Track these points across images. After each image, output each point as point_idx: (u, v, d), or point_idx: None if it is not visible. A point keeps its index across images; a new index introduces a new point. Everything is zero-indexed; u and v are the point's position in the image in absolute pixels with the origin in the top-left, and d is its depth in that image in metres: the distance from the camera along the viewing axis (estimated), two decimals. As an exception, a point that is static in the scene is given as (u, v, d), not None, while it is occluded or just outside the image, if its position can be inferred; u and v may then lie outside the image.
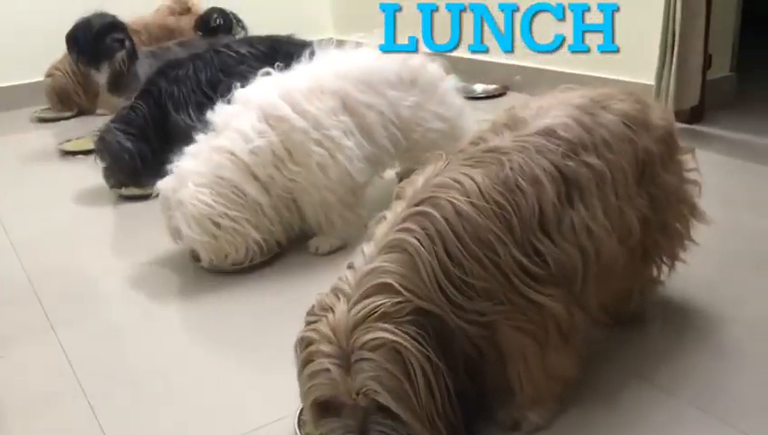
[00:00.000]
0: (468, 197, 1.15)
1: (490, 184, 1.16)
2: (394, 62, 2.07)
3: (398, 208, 1.22)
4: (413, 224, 1.16)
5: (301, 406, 1.32)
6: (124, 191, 2.63)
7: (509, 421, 1.27)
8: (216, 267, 1.97)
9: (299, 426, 1.31)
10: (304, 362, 1.18)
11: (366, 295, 1.13)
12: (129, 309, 1.88)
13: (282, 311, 1.74)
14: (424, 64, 2.12)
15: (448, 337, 1.12)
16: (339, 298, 1.16)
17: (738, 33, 3.01)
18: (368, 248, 1.20)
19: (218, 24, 3.66)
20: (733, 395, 1.33)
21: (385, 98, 1.99)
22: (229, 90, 2.03)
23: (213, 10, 3.74)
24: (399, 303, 1.11)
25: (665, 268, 1.52)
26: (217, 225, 1.88)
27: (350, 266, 1.20)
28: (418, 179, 1.23)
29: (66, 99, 3.85)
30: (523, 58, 3.31)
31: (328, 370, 1.13)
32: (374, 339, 1.11)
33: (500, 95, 3.48)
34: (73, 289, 2.00)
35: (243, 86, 2.02)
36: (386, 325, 1.10)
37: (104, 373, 1.59)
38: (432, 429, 1.12)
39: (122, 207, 2.58)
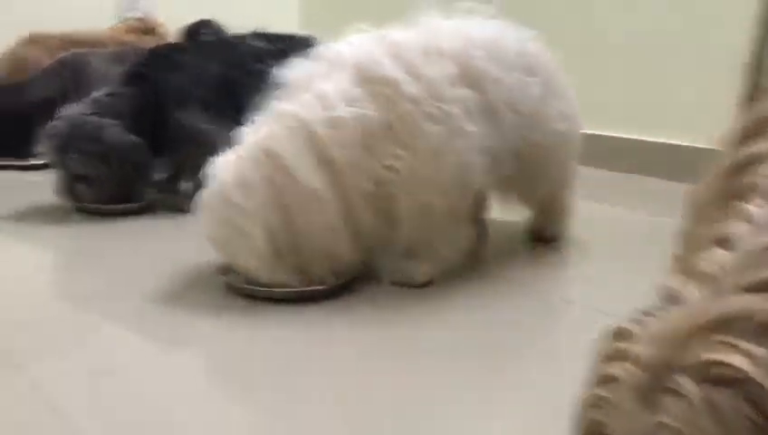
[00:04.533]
0: None
1: None
2: (512, 40, 1.58)
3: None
4: None
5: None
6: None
7: None
8: (254, 290, 1.39)
9: None
10: (595, 383, 0.63)
11: (744, 287, 0.59)
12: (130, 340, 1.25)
13: (339, 358, 1.19)
14: (542, 51, 1.64)
15: None
16: (694, 284, 0.62)
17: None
18: (755, 204, 0.65)
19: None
20: None
21: (511, 76, 1.49)
22: (249, 94, 1.47)
23: (202, 23, 3.20)
24: None
25: None
26: (227, 219, 1.34)
27: (721, 243, 0.66)
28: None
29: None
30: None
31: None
32: (722, 364, 0.56)
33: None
34: (52, 324, 1.36)
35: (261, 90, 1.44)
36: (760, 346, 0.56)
37: (101, 416, 0.96)
38: None
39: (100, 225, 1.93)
